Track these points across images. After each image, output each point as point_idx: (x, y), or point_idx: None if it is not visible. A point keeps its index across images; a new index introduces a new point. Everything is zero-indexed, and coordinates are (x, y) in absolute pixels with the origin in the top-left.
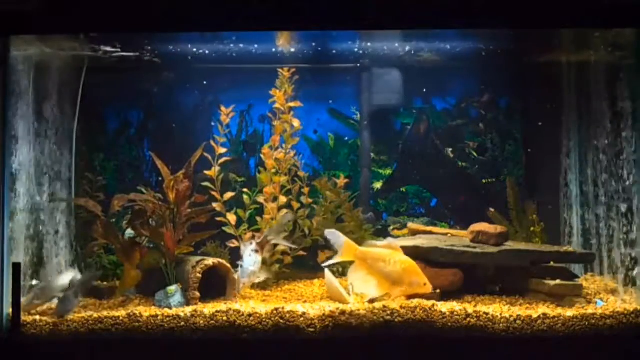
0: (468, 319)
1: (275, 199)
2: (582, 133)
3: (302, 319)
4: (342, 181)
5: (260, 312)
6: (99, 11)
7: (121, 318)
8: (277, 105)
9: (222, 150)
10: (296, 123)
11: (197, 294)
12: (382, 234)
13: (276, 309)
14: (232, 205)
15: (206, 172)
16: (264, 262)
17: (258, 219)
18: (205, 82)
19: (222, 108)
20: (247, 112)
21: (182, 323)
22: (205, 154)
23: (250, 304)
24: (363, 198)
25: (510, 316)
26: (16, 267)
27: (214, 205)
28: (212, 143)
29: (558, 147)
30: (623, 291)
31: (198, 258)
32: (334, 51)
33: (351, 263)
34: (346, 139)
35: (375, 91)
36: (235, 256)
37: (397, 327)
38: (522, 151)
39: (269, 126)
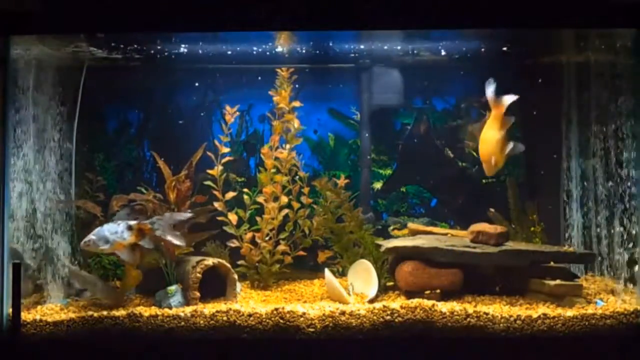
0: (468, 319)
1: (276, 199)
2: (582, 132)
3: (302, 319)
4: (342, 181)
5: (260, 312)
6: (99, 11)
7: (121, 318)
8: (281, 105)
9: (225, 149)
10: (297, 123)
11: (197, 294)
12: (382, 234)
13: (276, 309)
14: (232, 205)
15: (209, 171)
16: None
17: (258, 218)
18: (205, 82)
19: (227, 107)
20: (247, 112)
21: (182, 323)
22: (209, 153)
23: (250, 304)
24: (363, 198)
25: (510, 316)
26: (16, 267)
27: (216, 204)
28: (215, 142)
29: (558, 146)
30: (623, 291)
31: (198, 258)
32: (334, 51)
33: (351, 263)
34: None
35: (375, 91)
36: (235, 256)
37: (397, 327)
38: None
39: (268, 126)
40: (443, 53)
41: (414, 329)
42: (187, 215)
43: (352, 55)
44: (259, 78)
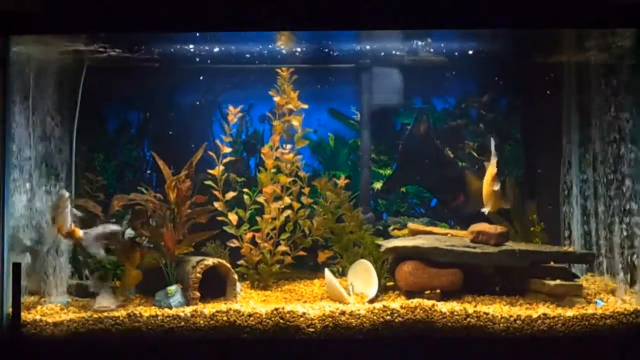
0: (468, 319)
1: (279, 199)
2: (582, 132)
3: (302, 319)
4: (342, 181)
5: (260, 312)
6: (99, 11)
7: (121, 318)
8: (289, 106)
9: (227, 149)
10: (296, 123)
11: (197, 294)
12: (382, 234)
13: (276, 309)
14: (232, 206)
15: (210, 170)
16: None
17: (258, 218)
18: (205, 83)
19: (230, 107)
20: (247, 113)
21: (182, 323)
22: (210, 153)
23: (250, 304)
24: (363, 198)
25: (510, 316)
26: (16, 267)
27: (216, 204)
28: (217, 142)
29: (558, 146)
30: (623, 291)
31: (198, 258)
32: (335, 51)
33: (351, 263)
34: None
35: (375, 91)
36: (235, 256)
37: (397, 327)
38: (522, 151)
39: (268, 126)
40: (443, 53)
41: (414, 329)
42: (117, 228)
43: (352, 55)
44: (259, 78)
